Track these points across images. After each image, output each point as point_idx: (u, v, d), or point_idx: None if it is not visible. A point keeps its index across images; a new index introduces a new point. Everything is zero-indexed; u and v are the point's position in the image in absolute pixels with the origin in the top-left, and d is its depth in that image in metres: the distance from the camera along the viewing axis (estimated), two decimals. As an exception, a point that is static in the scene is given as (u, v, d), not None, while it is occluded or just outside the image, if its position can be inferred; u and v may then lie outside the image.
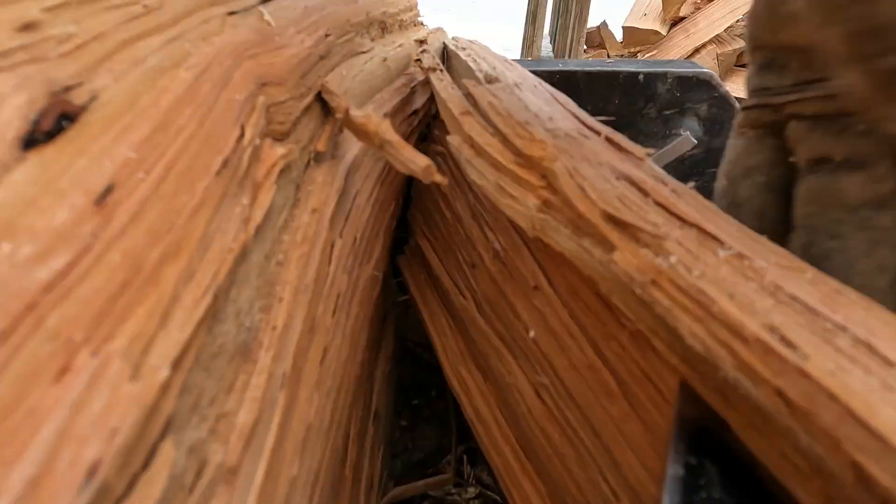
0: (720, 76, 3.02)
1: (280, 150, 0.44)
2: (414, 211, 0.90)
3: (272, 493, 0.32)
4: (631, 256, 0.34)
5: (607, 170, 0.40)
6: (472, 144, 0.51)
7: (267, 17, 0.51)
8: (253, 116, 0.43)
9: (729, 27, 2.94)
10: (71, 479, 0.19)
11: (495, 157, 0.46)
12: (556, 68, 1.05)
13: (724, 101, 1.04)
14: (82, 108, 0.30)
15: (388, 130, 0.43)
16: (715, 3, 3.02)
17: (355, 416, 0.75)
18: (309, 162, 0.51)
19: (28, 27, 0.30)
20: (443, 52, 0.89)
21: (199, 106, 0.37)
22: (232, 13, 0.48)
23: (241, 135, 0.40)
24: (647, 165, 0.42)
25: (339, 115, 0.49)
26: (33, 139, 0.27)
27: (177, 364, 0.25)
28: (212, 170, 0.35)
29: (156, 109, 0.34)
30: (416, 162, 0.38)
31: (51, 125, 0.28)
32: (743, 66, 3.12)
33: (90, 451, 0.19)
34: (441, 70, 0.72)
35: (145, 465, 0.22)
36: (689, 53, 2.91)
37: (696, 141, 1.06)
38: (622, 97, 1.05)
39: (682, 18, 3.09)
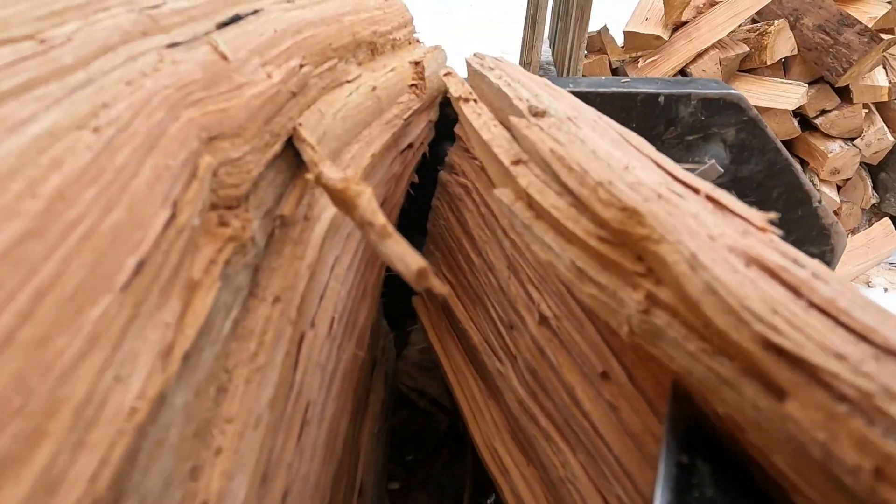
0: (723, 81, 2.95)
1: (228, 230, 0.33)
2: (430, 247, 0.80)
3: None
4: (821, 416, 0.22)
5: (725, 250, 0.28)
6: (531, 204, 0.40)
7: (222, 47, 0.40)
8: (192, 188, 0.32)
9: (731, 32, 2.88)
10: None
11: (567, 225, 0.35)
12: (567, 88, 0.94)
13: (753, 125, 0.94)
14: None
15: (370, 206, 0.32)
16: (717, 7, 2.96)
17: (336, 493, 0.65)
18: (273, 231, 0.41)
19: None
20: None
21: (107, 185, 0.27)
22: (173, 45, 0.38)
23: (172, 217, 0.30)
24: (772, 239, 0.30)
25: (308, 177, 0.38)
26: None
27: None
28: (116, 282, 0.25)
29: (32, 201, 0.24)
30: (407, 262, 0.27)
31: None
32: (746, 70, 3.05)
33: None
34: (476, 101, 0.62)
35: None
36: (692, 58, 2.85)
37: (722, 170, 0.96)
38: (640, 121, 0.95)
39: (685, 23, 3.03)
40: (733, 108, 0.90)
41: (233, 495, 0.27)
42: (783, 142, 3.40)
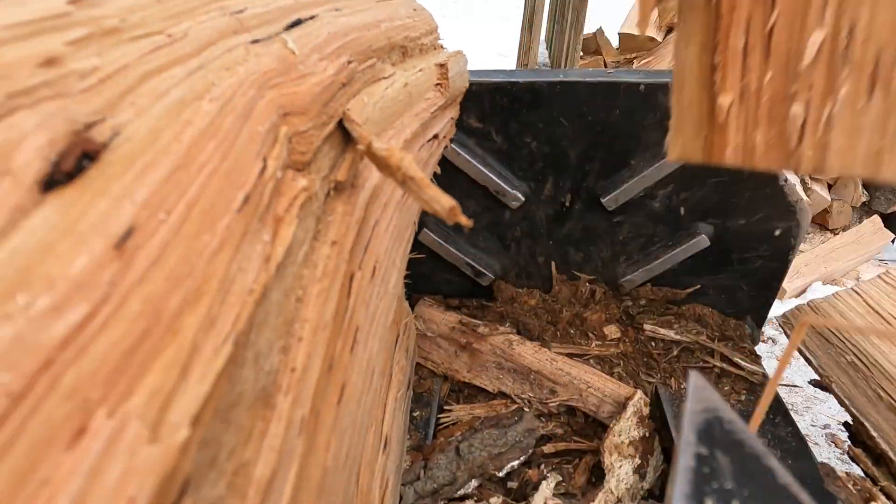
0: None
1: (302, 182, 0.43)
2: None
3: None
4: None
5: None
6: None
7: (291, 44, 0.50)
8: (275, 148, 0.42)
9: None
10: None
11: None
12: (557, 79, 1.03)
13: None
14: (104, 146, 0.29)
15: (411, 166, 0.42)
16: None
17: (367, 444, 0.74)
18: (329, 192, 0.50)
19: (50, 62, 0.29)
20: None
21: (222, 139, 0.37)
22: (255, 41, 0.47)
23: (264, 168, 0.39)
24: None
25: (361, 147, 0.47)
26: (53, 181, 0.26)
27: (196, 420, 0.23)
28: (233, 206, 0.34)
29: (178, 145, 0.33)
30: (441, 202, 0.37)
31: (72, 166, 0.27)
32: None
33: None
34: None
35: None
36: None
37: None
38: (623, 107, 1.04)
39: None
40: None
41: (311, 369, 0.36)
42: None
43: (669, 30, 3.19)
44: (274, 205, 0.40)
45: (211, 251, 0.31)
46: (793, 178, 1.05)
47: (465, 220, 0.37)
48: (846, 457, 0.93)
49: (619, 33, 3.19)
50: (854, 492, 0.81)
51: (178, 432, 0.22)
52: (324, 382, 0.39)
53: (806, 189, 3.38)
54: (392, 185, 0.63)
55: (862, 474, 0.86)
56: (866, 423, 0.89)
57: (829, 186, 3.46)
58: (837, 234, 3.43)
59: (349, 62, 0.58)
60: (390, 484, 0.84)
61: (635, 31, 3.11)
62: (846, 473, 0.85)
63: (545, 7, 3.47)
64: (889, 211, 3.52)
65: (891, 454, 0.84)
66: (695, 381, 0.35)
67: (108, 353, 0.22)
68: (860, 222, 3.48)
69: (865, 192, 3.52)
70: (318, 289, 0.42)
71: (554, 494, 1.00)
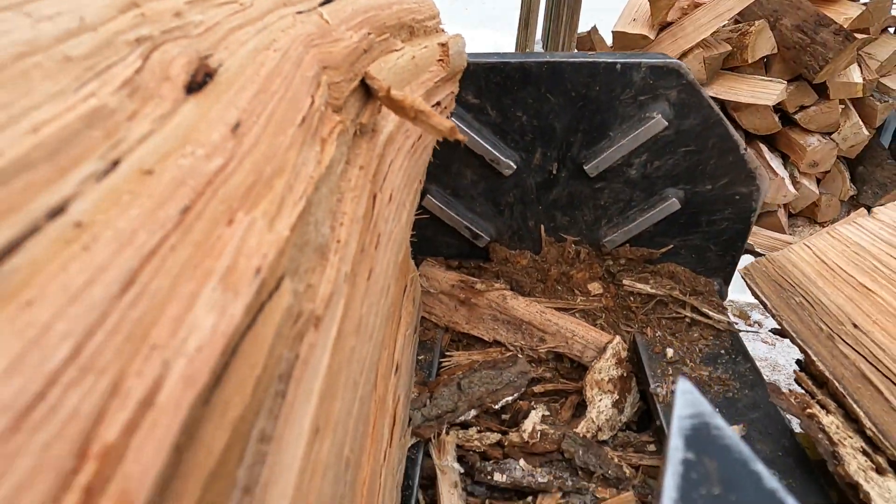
0: (707, 79, 3.13)
1: (337, 117, 0.56)
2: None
3: (340, 350, 0.44)
4: None
5: None
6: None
7: (325, 16, 0.63)
8: (319, 90, 0.55)
9: (715, 32, 3.03)
10: (242, 280, 0.31)
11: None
12: (545, 59, 1.17)
13: (691, 87, 1.15)
14: (215, 71, 0.42)
15: (420, 103, 0.55)
16: (701, 8, 3.10)
17: (382, 361, 0.87)
18: (356, 132, 0.63)
19: (178, 14, 0.42)
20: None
21: (284, 78, 0.50)
22: (300, 12, 0.60)
23: (312, 102, 0.52)
24: None
25: (381, 94, 0.61)
26: (192, 87, 0.39)
27: (291, 230, 0.37)
28: (296, 122, 0.47)
29: (257, 78, 0.46)
30: (444, 125, 0.50)
31: (200, 79, 0.40)
32: (729, 68, 3.23)
33: (255, 259, 0.31)
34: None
35: (277, 287, 0.34)
36: (678, 57, 3.01)
37: (667, 123, 1.17)
38: (602, 84, 1.17)
39: (670, 23, 3.19)
40: (674, 73, 1.11)
41: (350, 246, 0.49)
42: (764, 136, 3.55)
43: (661, 28, 3.30)
44: (320, 129, 0.53)
45: (285, 147, 0.44)
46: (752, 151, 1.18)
47: (461, 137, 0.50)
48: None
49: (612, 31, 3.31)
50: (794, 403, 0.94)
51: (282, 232, 0.35)
52: (358, 259, 0.52)
53: (795, 183, 3.51)
54: (403, 134, 0.76)
55: (803, 391, 0.99)
56: (809, 352, 1.02)
57: (818, 181, 3.59)
58: (826, 226, 3.55)
59: (369, 34, 0.71)
60: (401, 400, 0.97)
61: (628, 30, 3.23)
62: (789, 390, 0.98)
63: (541, 6, 3.60)
64: (876, 204, 3.64)
65: (827, 374, 0.97)
66: (682, 386, 0.35)
67: (238, 186, 0.36)
68: (848, 215, 3.60)
69: (853, 186, 3.64)
70: (352, 195, 0.55)
71: (541, 422, 1.13)
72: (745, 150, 1.21)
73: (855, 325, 0.98)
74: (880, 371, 0.91)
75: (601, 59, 1.16)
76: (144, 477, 0.19)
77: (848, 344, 0.97)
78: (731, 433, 0.32)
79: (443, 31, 1.11)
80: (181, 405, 0.22)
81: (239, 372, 0.27)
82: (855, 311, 1.00)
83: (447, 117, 1.15)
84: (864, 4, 3.39)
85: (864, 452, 0.86)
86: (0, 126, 0.24)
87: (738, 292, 2.79)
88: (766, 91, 3.14)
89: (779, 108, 3.32)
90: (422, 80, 0.88)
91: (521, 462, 1.05)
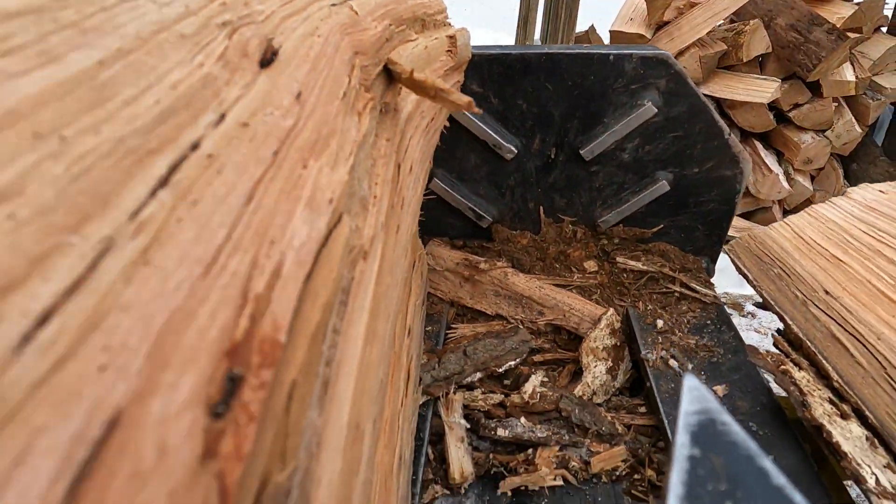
0: (703, 77, 3.22)
1: (368, 94, 0.65)
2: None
3: (381, 283, 0.53)
4: None
5: None
6: None
7: (355, 7, 0.72)
8: (354, 70, 0.63)
9: (710, 31, 3.11)
10: (321, 205, 0.40)
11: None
12: (544, 51, 1.25)
13: (679, 77, 1.24)
14: (277, 51, 0.51)
15: (440, 83, 0.63)
16: (697, 8, 3.17)
17: (398, 323, 0.96)
18: (381, 110, 0.72)
19: (247, 4, 0.51)
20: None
21: (327, 59, 0.58)
22: (333, 4, 0.69)
23: (350, 80, 0.61)
24: None
25: (405, 77, 0.69)
26: (263, 62, 0.47)
27: (350, 173, 0.45)
28: (339, 96, 0.56)
29: (308, 58, 0.55)
30: (462, 100, 0.59)
31: (269, 56, 0.49)
32: (725, 67, 3.32)
33: (328, 193, 0.40)
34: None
35: (339, 220, 0.43)
36: (674, 56, 3.08)
37: (656, 110, 1.26)
38: (597, 74, 1.26)
39: (667, 23, 3.26)
40: (663, 64, 1.20)
41: (383, 203, 0.58)
42: (760, 134, 3.63)
43: (658, 27, 3.37)
44: (356, 103, 0.61)
45: (333, 115, 0.52)
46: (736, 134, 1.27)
47: (477, 110, 0.59)
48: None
49: (610, 31, 3.38)
50: (770, 362, 1.04)
51: (342, 177, 0.44)
52: (389, 214, 0.61)
53: (789, 180, 3.60)
54: (419, 115, 0.85)
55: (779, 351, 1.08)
56: (786, 317, 1.12)
57: (812, 177, 3.68)
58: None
59: (389, 25, 0.80)
60: (413, 360, 1.06)
61: (626, 29, 3.30)
62: (766, 351, 1.08)
63: (540, 6, 3.68)
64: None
65: (801, 336, 1.07)
66: (689, 382, 0.35)
67: (305, 140, 0.44)
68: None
69: (847, 182, 3.73)
70: (382, 161, 0.63)
71: (540, 385, 1.22)
72: (729, 135, 1.30)
73: (826, 292, 1.08)
74: (847, 331, 1.00)
75: (595, 51, 1.25)
76: (284, 314, 0.28)
77: (820, 309, 1.07)
78: (738, 429, 0.32)
79: (450, 24, 1.20)
80: (297, 277, 0.31)
81: (321, 273, 0.36)
82: (827, 279, 1.09)
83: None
84: (857, 4, 3.44)
85: (831, 402, 0.95)
86: (156, 80, 0.33)
87: (735, 286, 2.90)
88: (760, 89, 3.21)
89: (773, 106, 3.39)
90: (433, 68, 0.96)
91: (522, 419, 1.14)
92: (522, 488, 1.08)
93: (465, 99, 0.59)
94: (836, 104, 3.44)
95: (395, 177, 0.68)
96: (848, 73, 3.33)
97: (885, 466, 0.83)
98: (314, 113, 0.49)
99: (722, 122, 1.29)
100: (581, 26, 3.71)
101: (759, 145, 3.55)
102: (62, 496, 0.16)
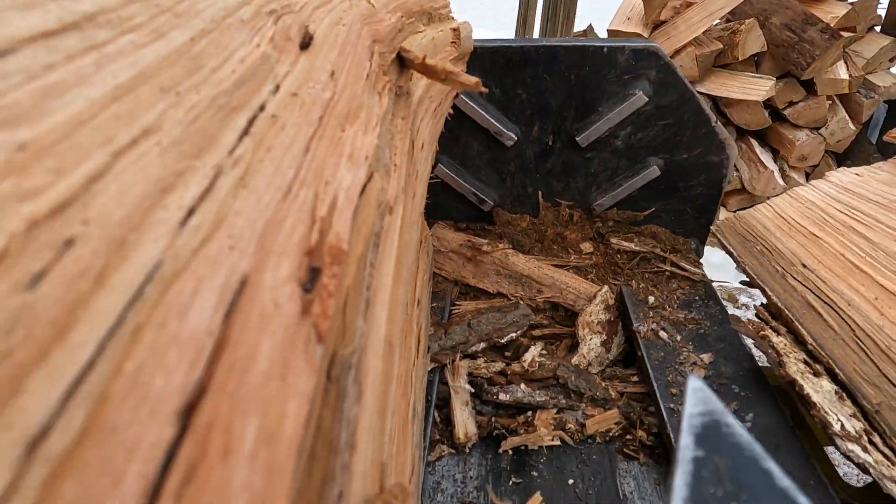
0: (699, 76, 3.30)
1: (386, 77, 0.73)
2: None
3: (402, 237, 0.61)
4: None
5: None
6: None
7: (373, 2, 0.80)
8: (374, 56, 0.71)
9: (706, 30, 3.17)
10: (359, 160, 0.48)
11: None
12: (542, 44, 1.33)
13: (668, 67, 1.32)
14: (312, 36, 0.59)
15: (450, 66, 0.71)
16: (693, 7, 3.24)
17: (409, 292, 1.03)
18: (396, 92, 0.80)
19: (286, -4, 0.59)
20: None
21: (352, 45, 0.66)
22: (354, -2, 0.77)
23: (371, 64, 0.69)
24: None
25: (417, 62, 0.77)
26: (302, 45, 0.55)
27: (377, 140, 0.53)
28: (363, 76, 0.64)
29: (335, 43, 0.63)
30: (470, 81, 0.67)
31: (307, 41, 0.57)
32: (721, 66, 3.39)
33: (363, 152, 0.48)
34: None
35: (370, 177, 0.51)
36: (671, 55, 3.15)
37: (647, 98, 1.34)
38: (591, 66, 1.34)
39: (663, 22, 3.33)
40: (654, 55, 1.28)
41: (400, 170, 0.66)
42: (755, 131, 3.68)
43: (655, 26, 3.43)
44: (377, 84, 0.69)
45: (360, 92, 0.60)
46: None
47: (483, 89, 0.67)
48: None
49: (607, 30, 3.45)
50: (751, 329, 1.12)
51: (373, 141, 0.52)
52: (406, 182, 0.69)
53: (784, 176, 3.67)
54: (428, 99, 0.93)
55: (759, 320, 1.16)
56: (766, 289, 1.20)
57: (807, 174, 3.74)
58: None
59: (401, 16, 0.88)
60: (423, 328, 1.14)
61: (623, 28, 3.37)
62: (748, 319, 1.16)
63: (538, 6, 3.75)
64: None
65: (780, 305, 1.15)
66: (693, 384, 0.35)
67: (341, 110, 0.52)
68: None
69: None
70: (399, 136, 0.72)
71: (539, 355, 1.30)
72: (716, 122, 1.39)
73: (804, 265, 1.16)
74: (822, 299, 1.09)
75: (590, 44, 1.33)
76: (343, 232, 0.36)
77: (798, 280, 1.15)
78: (742, 430, 0.32)
79: (454, 18, 1.28)
80: (348, 210, 0.39)
81: (362, 213, 0.44)
82: (804, 254, 1.18)
83: (457, 94, 1.32)
84: (851, 4, 3.48)
85: (805, 362, 1.03)
86: (229, 54, 0.41)
87: (732, 279, 2.98)
88: (756, 87, 3.26)
89: (769, 104, 3.44)
90: (438, 58, 1.04)
91: (522, 386, 1.23)
92: (522, 447, 1.16)
93: (473, 79, 0.67)
94: (831, 102, 3.50)
95: (410, 150, 0.76)
96: (842, 72, 3.39)
97: (850, 416, 0.91)
98: (345, 89, 0.57)
99: (709, 111, 1.37)
100: (579, 26, 3.79)
101: (754, 142, 3.62)
102: (221, 320, 0.24)
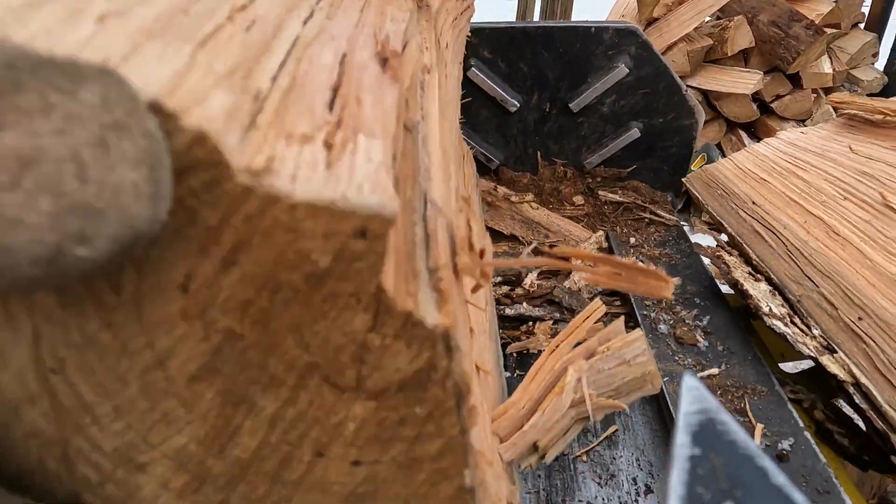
0: (690, 71, 3.50)
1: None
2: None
3: (443, 98, 0.84)
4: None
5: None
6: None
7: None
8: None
9: (697, 27, 3.36)
10: (399, 21, 0.71)
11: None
12: (540, 25, 1.57)
13: (645, 44, 1.55)
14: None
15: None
16: (684, 5, 3.42)
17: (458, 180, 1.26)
18: (418, 6, 1.03)
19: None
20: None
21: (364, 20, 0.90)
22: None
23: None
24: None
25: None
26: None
27: (410, 14, 0.77)
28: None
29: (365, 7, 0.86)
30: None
31: None
32: (711, 61, 3.59)
33: (400, 17, 0.71)
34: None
35: (408, 41, 0.74)
36: (663, 51, 3.35)
37: (628, 70, 1.57)
38: (581, 43, 1.57)
39: (656, 19, 3.52)
40: (633, 34, 1.51)
41: (432, 57, 0.89)
42: (744, 124, 3.84)
43: (648, 23, 3.63)
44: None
45: (400, 25, 0.84)
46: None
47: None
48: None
49: (602, 25, 3.66)
50: (709, 252, 1.34)
51: (406, 16, 0.75)
52: (437, 62, 0.92)
53: None
54: (445, 11, 1.16)
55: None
56: (724, 224, 1.42)
57: None
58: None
59: (428, -9, 1.12)
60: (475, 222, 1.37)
61: (617, 24, 3.58)
62: (707, 246, 1.38)
63: (537, 5, 3.97)
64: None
65: (734, 234, 1.37)
66: (688, 382, 0.35)
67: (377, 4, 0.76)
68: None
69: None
70: (426, 30, 0.94)
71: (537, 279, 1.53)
72: (686, 91, 1.61)
73: (753, 203, 1.38)
74: (765, 227, 1.31)
75: (581, 25, 1.56)
76: (397, 46, 0.59)
77: (748, 214, 1.37)
78: (737, 428, 0.32)
79: (466, 1, 1.51)
80: (398, 45, 0.62)
81: (407, 54, 0.67)
82: (755, 194, 1.40)
83: (470, 65, 1.56)
84: (835, 1, 3.63)
85: (749, 274, 1.25)
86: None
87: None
88: (744, 81, 3.42)
89: (757, 98, 3.59)
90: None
91: (524, 304, 1.45)
92: (524, 351, 1.38)
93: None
94: (816, 95, 3.63)
95: (437, 44, 0.99)
96: (826, 66, 3.54)
97: (779, 305, 1.14)
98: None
99: (680, 81, 1.60)
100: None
101: (743, 134, 3.77)
102: (338, 64, 0.47)
